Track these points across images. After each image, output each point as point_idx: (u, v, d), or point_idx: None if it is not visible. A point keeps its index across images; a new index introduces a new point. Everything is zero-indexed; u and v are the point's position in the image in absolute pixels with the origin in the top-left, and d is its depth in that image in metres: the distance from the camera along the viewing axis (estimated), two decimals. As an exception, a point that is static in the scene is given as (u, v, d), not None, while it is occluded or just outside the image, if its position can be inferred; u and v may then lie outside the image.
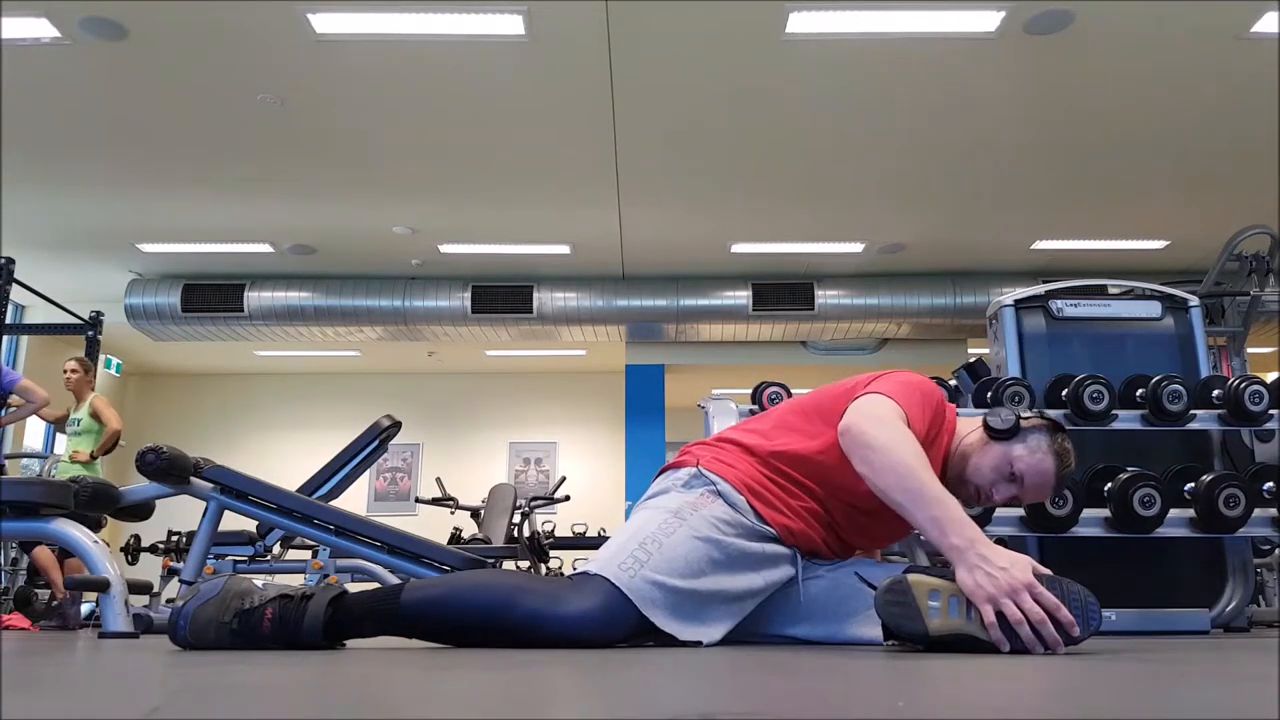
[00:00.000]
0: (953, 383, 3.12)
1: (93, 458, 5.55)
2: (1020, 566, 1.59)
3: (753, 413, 2.97)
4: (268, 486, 3.57)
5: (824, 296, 8.24)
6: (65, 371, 5.57)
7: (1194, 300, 3.26)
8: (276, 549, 4.64)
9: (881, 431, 1.76)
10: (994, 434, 1.89)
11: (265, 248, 7.80)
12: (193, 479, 3.36)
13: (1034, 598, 1.56)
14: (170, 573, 5.81)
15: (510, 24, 4.75)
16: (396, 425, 4.77)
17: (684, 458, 2.01)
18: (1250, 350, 5.27)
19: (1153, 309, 3.24)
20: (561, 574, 7.08)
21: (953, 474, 1.93)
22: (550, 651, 1.52)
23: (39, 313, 7.89)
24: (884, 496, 1.74)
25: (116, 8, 4.58)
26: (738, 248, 7.83)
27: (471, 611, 1.68)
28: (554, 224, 7.41)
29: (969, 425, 1.98)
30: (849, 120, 5.78)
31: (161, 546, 6.22)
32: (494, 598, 1.68)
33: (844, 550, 1.99)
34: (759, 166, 6.38)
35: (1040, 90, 5.45)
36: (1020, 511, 2.75)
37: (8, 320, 4.53)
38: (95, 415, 5.54)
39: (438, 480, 7.70)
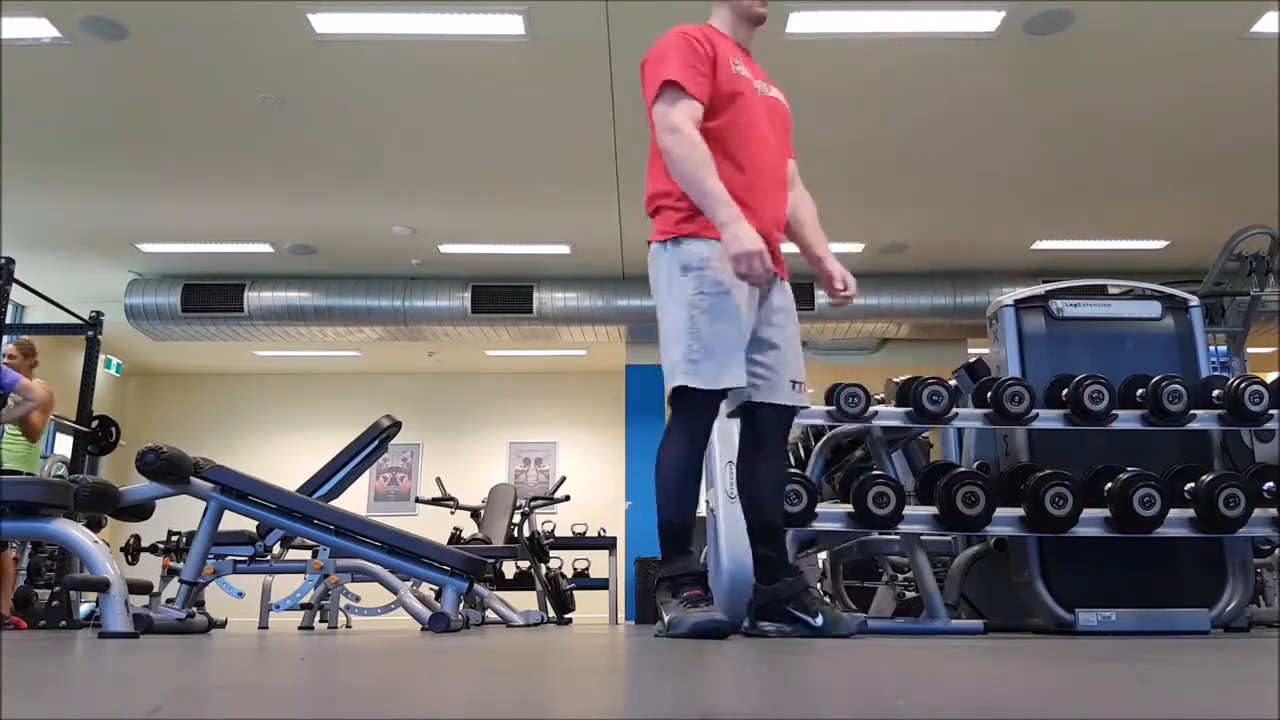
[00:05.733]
0: (953, 383, 3.12)
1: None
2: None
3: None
4: (268, 486, 3.58)
5: (824, 296, 8.21)
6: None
7: (1194, 300, 3.26)
8: (276, 549, 4.64)
9: (679, 147, 2.27)
10: None
11: (265, 248, 7.80)
12: (193, 479, 3.37)
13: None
14: (170, 573, 5.81)
15: (510, 24, 4.75)
16: (396, 425, 4.77)
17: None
18: (1250, 350, 5.27)
19: (1153, 309, 3.24)
20: (562, 575, 7.05)
21: (742, 33, 2.53)
22: (551, 650, 1.52)
23: (39, 313, 7.88)
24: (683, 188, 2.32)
25: (116, 8, 4.58)
26: (738, 248, 7.81)
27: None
28: (554, 224, 7.40)
29: (721, 11, 2.54)
30: (849, 120, 5.78)
31: (161, 546, 6.23)
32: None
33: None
34: (759, 166, 6.36)
35: (1040, 90, 5.45)
36: (1020, 512, 2.75)
37: (8, 320, 4.52)
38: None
39: (438, 480, 7.70)
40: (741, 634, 2.54)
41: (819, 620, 2.33)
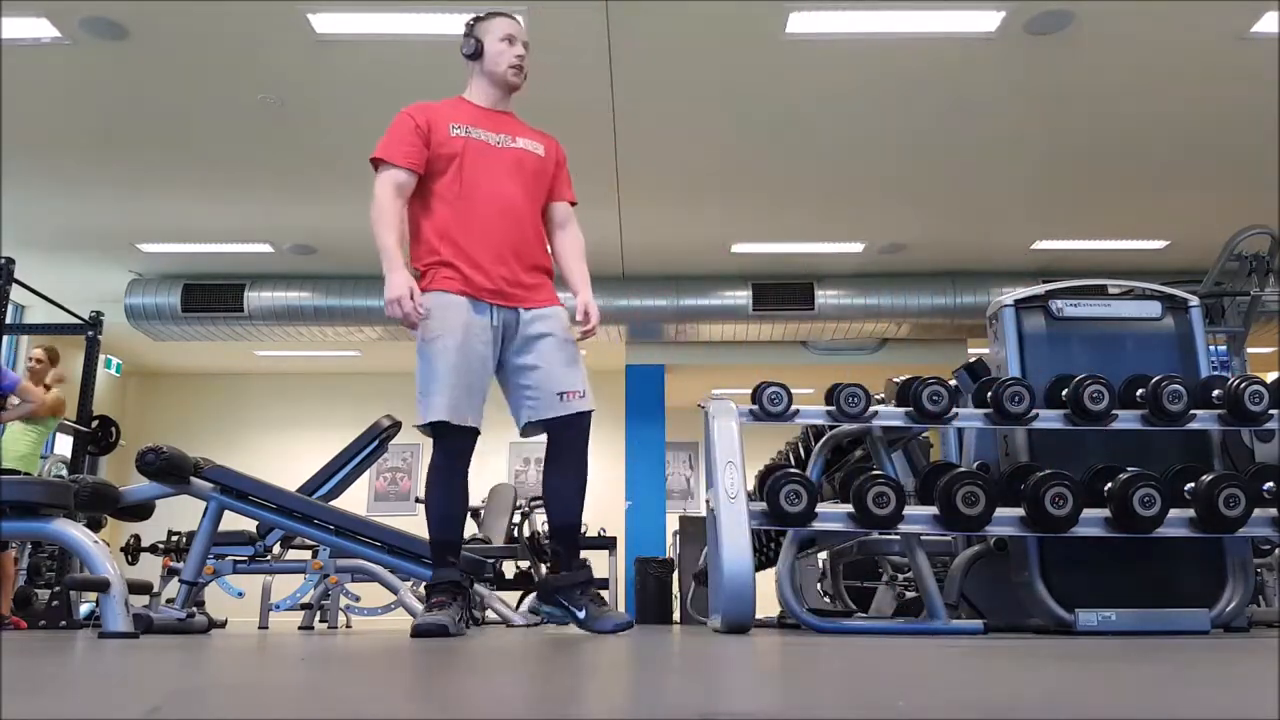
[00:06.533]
0: (953, 383, 3.12)
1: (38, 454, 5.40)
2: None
3: (753, 414, 2.97)
4: (268, 486, 3.58)
5: (824, 296, 8.24)
6: (30, 361, 5.46)
7: (1194, 300, 3.25)
8: (276, 549, 4.64)
9: (375, 209, 2.66)
10: (472, 55, 2.87)
11: (265, 248, 7.80)
12: (193, 479, 3.37)
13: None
14: (170, 573, 5.81)
15: (510, 24, 4.74)
16: (396, 425, 4.77)
17: None
18: (1250, 350, 5.26)
19: (1153, 309, 3.24)
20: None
21: (494, 95, 2.87)
22: (551, 650, 1.52)
23: (39, 313, 7.88)
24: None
25: (116, 8, 4.58)
26: (738, 248, 7.82)
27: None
28: (554, 224, 7.40)
29: (472, 77, 2.92)
30: (849, 120, 5.78)
31: (161, 546, 6.22)
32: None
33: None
34: (759, 166, 6.37)
35: (1040, 90, 5.45)
36: (1021, 512, 2.75)
37: (8, 320, 4.52)
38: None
39: (438, 480, 7.68)
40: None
41: (582, 614, 2.66)
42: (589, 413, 2.76)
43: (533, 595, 6.19)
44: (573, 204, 2.98)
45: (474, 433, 2.70)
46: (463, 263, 2.67)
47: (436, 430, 2.64)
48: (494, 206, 2.73)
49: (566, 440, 2.77)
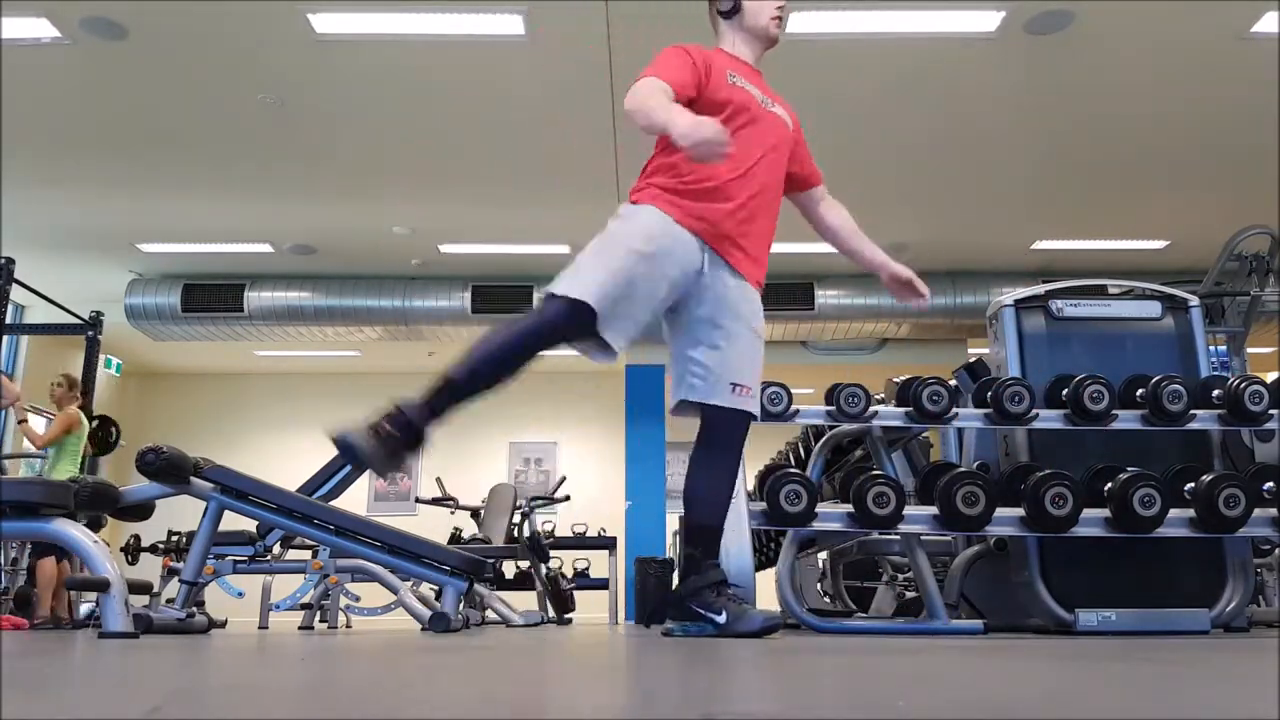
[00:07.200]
0: (953, 383, 3.12)
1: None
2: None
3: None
4: (268, 486, 3.57)
5: (824, 296, 8.24)
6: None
7: (1194, 300, 3.25)
8: (276, 549, 4.64)
9: (632, 99, 2.34)
10: (729, 12, 2.68)
11: (265, 248, 7.80)
12: (193, 479, 3.36)
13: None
14: (170, 573, 5.81)
15: (510, 24, 4.75)
16: (397, 425, 4.75)
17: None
18: (1250, 350, 5.26)
19: (1153, 309, 3.24)
20: (563, 574, 7.03)
21: (755, 52, 2.71)
22: (551, 650, 1.52)
23: (39, 313, 7.88)
24: (646, 131, 2.36)
25: (116, 8, 4.58)
26: (738, 248, 7.82)
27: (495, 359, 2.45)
28: (554, 224, 7.40)
29: (729, 34, 2.70)
30: (849, 120, 5.78)
31: (161, 546, 6.22)
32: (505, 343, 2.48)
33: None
34: (759, 166, 6.36)
35: (1040, 90, 5.45)
36: (1021, 512, 2.75)
37: (8, 320, 4.53)
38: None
39: (438, 480, 7.70)
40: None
41: (722, 617, 2.33)
42: (753, 416, 2.51)
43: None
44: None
45: (592, 333, 2.38)
46: (707, 202, 2.42)
47: (564, 311, 2.36)
48: (751, 168, 2.50)
49: (727, 437, 2.49)
